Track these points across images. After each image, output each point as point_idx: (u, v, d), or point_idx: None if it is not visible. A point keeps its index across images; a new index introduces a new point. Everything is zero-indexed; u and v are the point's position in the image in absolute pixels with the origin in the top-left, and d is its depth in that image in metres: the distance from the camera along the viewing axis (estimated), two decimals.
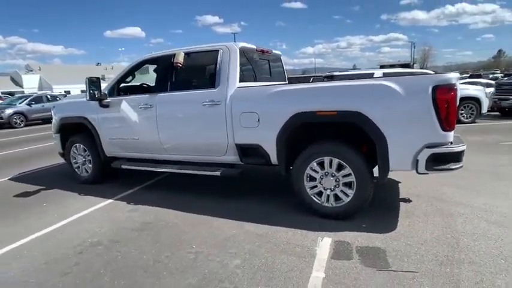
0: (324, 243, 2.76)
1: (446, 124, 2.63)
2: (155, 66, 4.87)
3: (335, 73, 9.41)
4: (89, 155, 4.80)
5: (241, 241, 2.88)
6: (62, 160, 5.41)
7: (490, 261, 2.37)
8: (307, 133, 3.25)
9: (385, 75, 7.37)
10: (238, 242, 2.88)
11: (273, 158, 3.38)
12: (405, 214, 3.25)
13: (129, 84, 4.64)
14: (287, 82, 4.76)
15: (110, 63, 64.42)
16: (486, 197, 3.53)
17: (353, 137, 3.10)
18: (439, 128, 2.65)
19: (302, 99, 3.10)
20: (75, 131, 4.96)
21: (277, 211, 3.49)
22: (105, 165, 4.75)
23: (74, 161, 4.99)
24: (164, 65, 4.05)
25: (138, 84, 5.03)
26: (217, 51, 3.71)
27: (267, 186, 4.40)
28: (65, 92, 29.22)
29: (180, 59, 3.81)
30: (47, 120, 16.40)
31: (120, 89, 4.50)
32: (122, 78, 4.47)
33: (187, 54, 3.88)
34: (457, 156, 2.72)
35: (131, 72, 4.46)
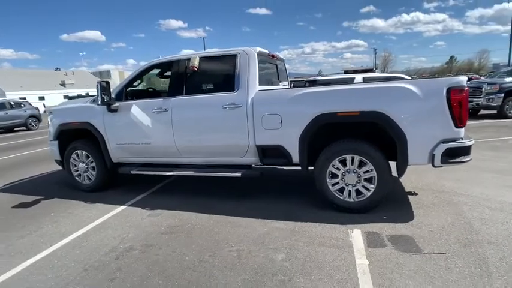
0: (356, 234, 2.96)
1: (459, 121, 2.96)
2: (159, 70, 4.89)
3: (318, 78, 9.81)
4: (92, 162, 4.65)
5: (277, 237, 3.00)
6: (48, 169, 5.18)
7: (505, 240, 2.70)
8: (327, 133, 3.45)
9: (364, 80, 7.85)
10: (274, 238, 2.99)
11: (295, 158, 3.54)
12: (417, 205, 3.55)
13: (137, 88, 4.59)
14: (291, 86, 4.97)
15: (69, 68, 61.23)
16: (480, 188, 3.95)
17: (371, 135, 3.35)
18: (452, 125, 2.98)
19: (325, 101, 3.30)
20: (75, 137, 4.79)
21: (296, 208, 3.65)
22: (110, 172, 4.64)
23: (75, 168, 4.79)
24: (178, 69, 4.07)
25: (145, 88, 4.98)
26: (234, 55, 3.82)
27: (277, 187, 4.54)
28: (20, 98, 27.22)
29: (195, 63, 3.87)
30: (11, 129, 15.31)
31: (128, 93, 4.43)
32: (130, 83, 4.41)
33: (202, 58, 3.95)
34: (467, 150, 3.06)
35: (139, 76, 4.43)
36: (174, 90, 4.08)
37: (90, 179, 4.74)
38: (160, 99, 4.12)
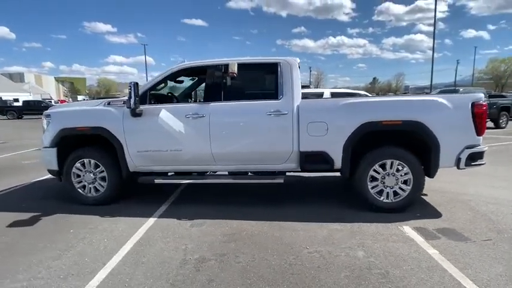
0: (408, 230, 3.31)
1: (480, 130, 3.57)
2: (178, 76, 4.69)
3: None
4: (102, 171, 4.19)
5: (342, 238, 3.17)
6: (17, 180, 4.49)
7: None
8: (367, 140, 3.78)
9: (332, 95, 8.58)
10: (340, 238, 3.15)
11: (337, 164, 3.78)
12: (435, 204, 4.07)
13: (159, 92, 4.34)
14: None
15: None
16: (473, 188, 4.69)
17: (406, 142, 3.78)
18: (474, 134, 3.57)
19: (370, 111, 3.65)
20: (80, 144, 4.28)
21: (336, 211, 3.87)
22: (123, 183, 4.25)
23: (78, 179, 4.25)
24: (214, 74, 4.01)
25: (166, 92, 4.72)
26: (275, 64, 3.94)
27: (301, 192, 4.70)
28: None
29: (235, 69, 3.87)
30: None
31: (151, 97, 4.16)
32: (154, 86, 4.16)
33: (240, 65, 3.96)
34: (483, 155, 3.69)
35: (166, 80, 4.22)
36: (210, 96, 3.99)
37: (98, 190, 4.25)
38: (195, 104, 3.99)
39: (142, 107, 3.96)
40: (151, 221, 3.71)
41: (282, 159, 3.89)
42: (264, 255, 2.84)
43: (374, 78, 73.34)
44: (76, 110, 4.32)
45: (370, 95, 9.43)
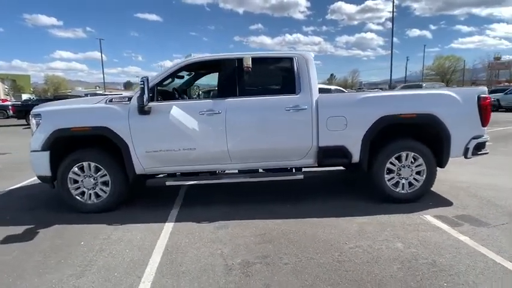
0: (430, 219, 3.44)
1: (485, 121, 3.81)
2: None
3: None
4: (104, 175, 3.81)
5: (374, 231, 3.20)
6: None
7: None
8: (384, 133, 3.86)
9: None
10: (373, 232, 3.18)
11: (355, 157, 3.81)
12: (442, 193, 4.25)
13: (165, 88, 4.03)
14: None
15: None
16: (466, 176, 4.99)
17: (419, 134, 3.92)
18: (480, 125, 3.81)
19: (388, 104, 3.72)
20: (75, 146, 3.84)
21: (355, 204, 3.90)
22: (129, 186, 3.91)
23: (75, 185, 3.82)
24: (227, 68, 3.82)
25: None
26: (291, 58, 3.86)
27: (312, 188, 4.68)
28: None
29: (249, 63, 3.72)
30: None
31: (159, 93, 3.86)
32: (161, 82, 3.86)
33: (254, 59, 3.81)
34: (485, 144, 3.94)
35: (173, 75, 3.93)
36: (225, 91, 3.80)
37: (99, 196, 3.86)
38: (209, 101, 3.77)
39: (151, 104, 3.65)
40: (168, 226, 3.45)
41: (300, 155, 3.84)
42: (308, 255, 2.77)
43: (331, 75, 76.41)
44: (72, 109, 3.86)
45: (345, 91, 9.73)
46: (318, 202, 4.03)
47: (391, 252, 2.78)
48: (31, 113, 3.88)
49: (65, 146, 3.85)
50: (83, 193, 3.85)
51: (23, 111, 18.38)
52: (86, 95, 18.30)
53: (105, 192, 3.85)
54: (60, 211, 3.92)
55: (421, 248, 2.82)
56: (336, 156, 3.84)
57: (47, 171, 3.78)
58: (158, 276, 2.49)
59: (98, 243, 3.08)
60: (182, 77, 4.64)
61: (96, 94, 20.81)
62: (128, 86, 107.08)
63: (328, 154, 3.84)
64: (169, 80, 4.04)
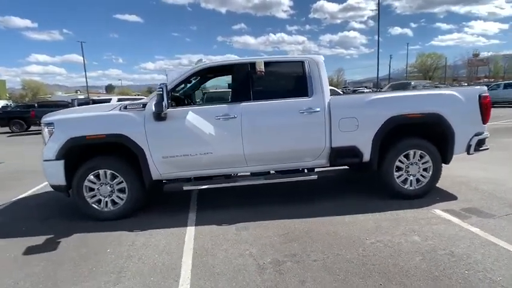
0: (440, 213, 3.64)
1: (485, 119, 4.05)
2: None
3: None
4: (120, 182, 3.83)
5: (391, 226, 3.36)
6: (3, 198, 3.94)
7: None
8: (392, 133, 4.03)
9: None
10: (389, 227, 3.34)
11: (366, 157, 3.98)
12: (445, 187, 4.47)
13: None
14: None
15: None
16: (463, 171, 5.23)
17: (424, 132, 4.11)
18: (481, 122, 4.04)
19: (397, 105, 3.90)
20: (90, 154, 3.85)
21: (364, 202, 4.07)
22: (146, 192, 3.95)
23: (91, 193, 3.82)
24: (241, 73, 3.90)
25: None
26: (302, 62, 3.99)
27: (321, 187, 4.82)
28: None
29: (262, 67, 3.83)
30: None
31: (173, 98, 3.91)
32: (175, 88, 3.91)
33: (266, 63, 3.92)
34: (485, 141, 4.18)
35: (187, 80, 3.99)
36: (239, 96, 3.88)
37: (116, 203, 3.87)
38: (224, 105, 3.85)
39: (167, 110, 3.69)
40: (190, 230, 3.51)
41: (314, 156, 3.97)
42: (334, 251, 2.90)
43: None
44: (86, 117, 3.85)
45: (340, 92, 9.97)
46: (329, 201, 4.17)
47: (410, 245, 2.94)
48: (42, 121, 3.85)
49: (80, 155, 3.85)
50: (99, 201, 3.86)
51: (5, 119, 17.80)
52: (73, 100, 17.88)
53: (121, 199, 3.87)
54: (75, 220, 3.91)
55: (437, 240, 3.00)
56: (348, 156, 3.99)
57: (61, 181, 3.77)
58: (195, 279, 2.56)
59: (125, 250, 3.11)
60: (190, 82, 4.69)
61: (84, 100, 20.33)
62: (109, 89, 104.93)
63: (340, 154, 3.98)
64: (183, 85, 4.10)
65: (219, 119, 3.77)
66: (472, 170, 5.29)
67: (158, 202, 4.48)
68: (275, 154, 3.91)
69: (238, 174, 4.22)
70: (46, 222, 3.95)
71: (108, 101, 14.25)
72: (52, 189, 5.21)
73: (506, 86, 19.12)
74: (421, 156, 4.03)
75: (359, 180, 5.15)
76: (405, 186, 4.06)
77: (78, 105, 16.78)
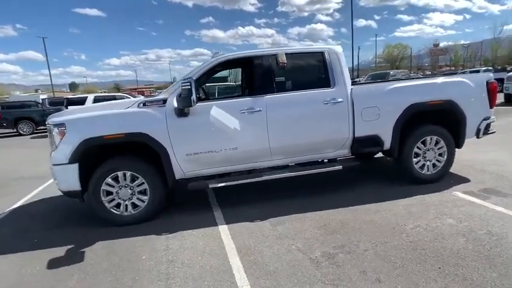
0: (461, 195, 3.79)
1: (492, 104, 4.26)
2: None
3: None
4: (141, 184, 3.61)
5: (421, 211, 3.45)
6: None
7: None
8: (410, 121, 4.11)
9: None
10: (421, 212, 3.43)
11: (387, 145, 4.05)
12: (455, 171, 4.66)
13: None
14: None
15: None
16: (466, 155, 5.31)
17: (438, 119, 4.25)
18: (488, 107, 4.25)
19: (415, 93, 3.98)
20: (103, 156, 3.59)
21: (383, 189, 4.16)
22: (167, 193, 3.76)
23: (109, 197, 3.58)
24: (263, 65, 3.79)
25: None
26: (321, 52, 3.95)
27: (333, 180, 4.84)
28: None
29: (284, 58, 3.76)
30: None
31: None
32: (197, 80, 3.72)
33: (286, 55, 3.84)
34: (491, 125, 4.40)
35: (208, 73, 3.82)
36: (262, 88, 3.77)
37: (136, 206, 3.65)
38: (248, 98, 3.73)
39: None
40: (223, 228, 3.40)
41: (337, 146, 3.98)
42: (380, 239, 2.92)
43: None
44: (102, 115, 3.55)
45: None
46: (349, 191, 4.21)
47: (448, 228, 3.04)
48: (51, 122, 3.52)
49: (94, 157, 3.58)
50: (118, 205, 3.62)
51: None
52: (43, 100, 16.68)
53: (143, 201, 3.65)
54: (90, 226, 3.65)
55: (471, 222, 3.13)
56: (370, 145, 4.04)
57: (75, 186, 3.48)
58: (252, 279, 2.47)
59: (162, 255, 2.94)
60: (210, 75, 4.48)
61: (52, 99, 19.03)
62: (73, 87, 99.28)
63: (362, 144, 4.02)
64: (203, 78, 3.91)
65: (244, 112, 3.65)
66: (473, 153, 5.49)
67: (173, 202, 4.29)
68: (300, 146, 3.87)
69: (262, 168, 4.12)
70: (60, 231, 3.64)
71: (84, 99, 13.47)
72: (47, 197, 4.93)
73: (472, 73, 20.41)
74: (437, 142, 4.17)
75: (369, 170, 5.25)
76: (423, 172, 4.19)
77: (50, 104, 15.75)
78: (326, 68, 3.91)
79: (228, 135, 3.64)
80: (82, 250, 3.16)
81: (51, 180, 5.85)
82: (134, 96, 13.68)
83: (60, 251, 3.15)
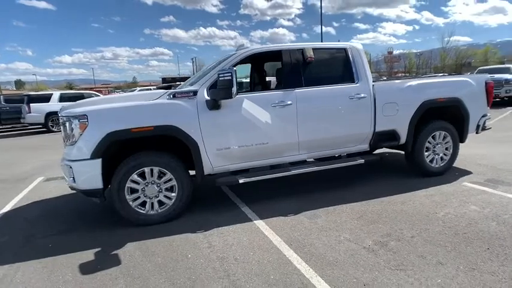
0: (471, 185, 4.09)
1: (489, 102, 4.67)
2: None
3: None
4: (169, 180, 3.41)
5: (443, 200, 3.67)
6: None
7: None
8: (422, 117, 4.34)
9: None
10: (443, 200, 3.64)
11: (403, 139, 4.25)
12: (455, 164, 5.02)
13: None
14: None
15: None
16: (465, 149, 5.87)
17: (444, 115, 4.55)
18: (486, 105, 4.65)
19: (430, 90, 4.23)
20: (129, 150, 3.34)
21: (400, 182, 4.35)
22: (194, 189, 3.60)
23: (134, 195, 3.33)
24: (291, 59, 3.79)
25: None
26: (344, 49, 4.05)
27: (349, 174, 4.96)
28: None
29: (312, 53, 3.81)
30: None
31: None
32: None
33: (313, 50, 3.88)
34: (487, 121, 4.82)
35: (236, 65, 3.70)
36: (291, 82, 3.76)
37: (163, 204, 3.44)
38: (279, 92, 3.70)
39: None
40: (260, 223, 3.32)
41: (359, 140, 4.09)
42: (420, 226, 3.05)
43: None
44: (130, 106, 3.28)
45: None
46: (366, 185, 4.31)
47: (475, 214, 3.26)
48: (68, 114, 3.19)
49: (119, 151, 3.32)
50: (143, 203, 3.37)
51: None
52: None
53: (169, 198, 3.45)
54: (110, 228, 3.38)
55: (492, 208, 3.38)
56: (388, 139, 4.21)
57: (97, 183, 3.19)
58: (318, 269, 2.44)
59: (209, 253, 2.80)
60: None
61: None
62: (19, 85, 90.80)
63: (381, 138, 4.18)
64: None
65: (276, 106, 3.61)
66: (467, 149, 5.71)
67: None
68: (327, 140, 3.92)
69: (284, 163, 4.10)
70: (71, 235, 3.31)
71: (49, 96, 12.40)
72: (39, 199, 4.49)
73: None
74: (444, 137, 4.46)
75: (374, 164, 5.45)
76: (432, 165, 4.46)
77: (6, 101, 14.25)
78: (349, 64, 4.01)
79: (260, 129, 3.57)
80: (113, 252, 2.89)
81: (35, 183, 5.32)
82: (104, 95, 12.91)
83: (87, 255, 2.86)
